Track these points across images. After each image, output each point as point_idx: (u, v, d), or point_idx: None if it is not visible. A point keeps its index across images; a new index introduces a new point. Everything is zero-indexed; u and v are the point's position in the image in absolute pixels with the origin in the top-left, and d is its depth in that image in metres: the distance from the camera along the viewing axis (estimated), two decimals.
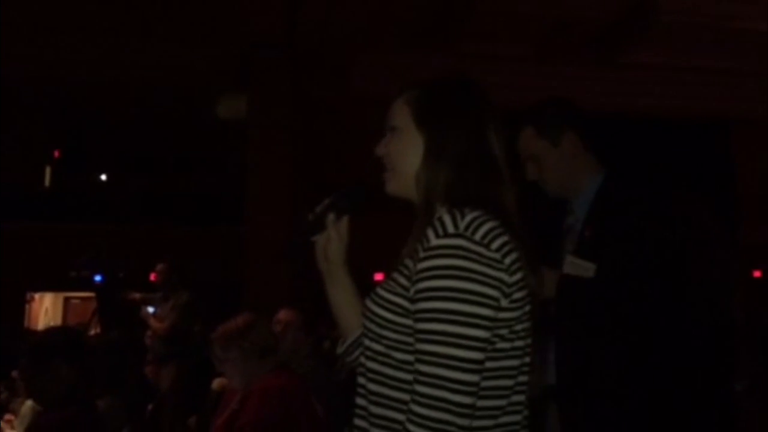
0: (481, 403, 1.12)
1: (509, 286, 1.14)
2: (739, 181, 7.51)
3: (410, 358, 1.14)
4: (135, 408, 2.83)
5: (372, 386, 1.19)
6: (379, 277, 5.32)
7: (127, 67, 6.71)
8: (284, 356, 3.06)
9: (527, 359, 1.19)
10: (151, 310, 5.05)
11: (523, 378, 1.19)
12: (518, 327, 1.16)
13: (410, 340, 1.14)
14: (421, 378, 1.09)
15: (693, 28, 6.00)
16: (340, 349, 1.40)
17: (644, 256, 1.73)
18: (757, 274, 8.24)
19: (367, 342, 1.22)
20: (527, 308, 1.18)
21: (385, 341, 1.18)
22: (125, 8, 5.77)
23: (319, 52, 6.52)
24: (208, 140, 9.23)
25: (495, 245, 1.14)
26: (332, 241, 1.35)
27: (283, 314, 3.30)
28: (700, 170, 7.14)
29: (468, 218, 1.15)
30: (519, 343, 1.17)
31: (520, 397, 1.19)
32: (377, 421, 1.18)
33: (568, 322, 1.77)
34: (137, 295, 5.28)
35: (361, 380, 1.23)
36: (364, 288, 1.37)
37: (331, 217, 1.34)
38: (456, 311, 1.09)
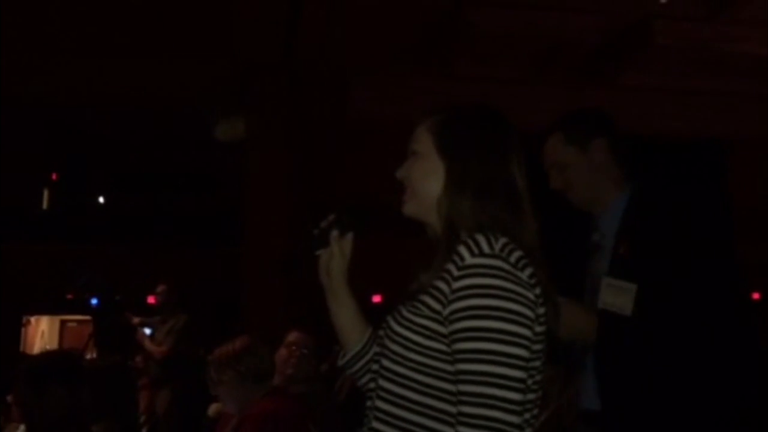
0: None
1: (538, 317, 1.16)
2: (737, 200, 7.52)
3: (434, 382, 1.15)
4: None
5: (391, 408, 1.19)
6: (377, 299, 5.32)
7: (125, 88, 6.75)
8: (292, 379, 3.04)
9: (538, 377, 1.20)
10: (147, 332, 5.02)
11: (532, 395, 1.19)
12: (537, 363, 1.18)
13: (436, 363, 1.15)
14: (469, 399, 1.09)
15: (688, 50, 6.06)
16: (341, 361, 1.40)
17: (694, 275, 1.67)
18: (756, 296, 8.20)
19: (387, 363, 1.21)
20: (542, 346, 1.19)
21: (410, 363, 1.18)
22: (123, 29, 5.81)
23: (317, 73, 6.56)
24: (206, 161, 9.24)
25: (526, 273, 1.16)
26: (335, 258, 1.35)
27: (293, 336, 3.27)
28: (695, 192, 7.15)
29: (502, 241, 1.17)
30: (537, 377, 1.18)
31: (531, 414, 1.19)
32: None
33: (612, 362, 1.70)
34: (136, 319, 5.25)
35: (381, 404, 1.21)
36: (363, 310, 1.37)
37: (334, 233, 1.35)
38: (501, 330, 1.10)
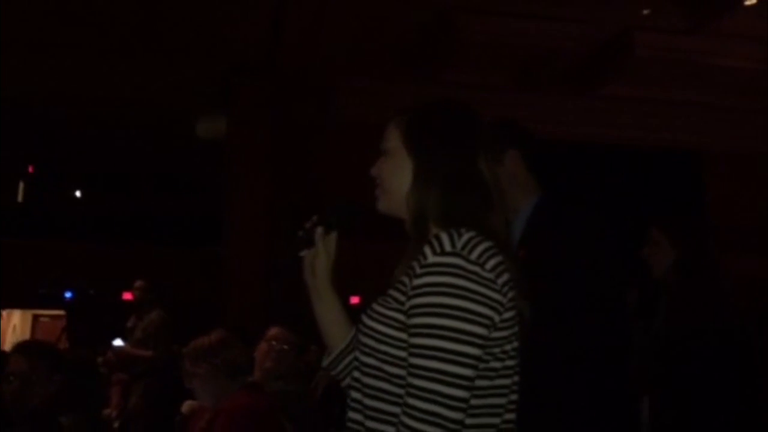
0: (477, 420, 1.14)
1: (502, 305, 1.16)
2: (713, 212, 7.63)
3: (403, 372, 1.16)
4: (98, 426, 2.77)
5: (368, 401, 1.21)
6: (354, 300, 5.31)
7: (106, 85, 6.69)
8: (270, 373, 3.03)
9: (516, 378, 1.22)
10: (120, 343, 4.94)
11: (514, 397, 1.21)
12: (508, 347, 1.19)
13: (404, 354, 1.16)
14: (414, 391, 1.11)
15: (668, 62, 6.16)
16: (325, 362, 1.40)
17: (576, 284, 1.75)
18: None
19: (362, 357, 1.23)
20: (516, 329, 1.20)
21: (379, 355, 1.19)
22: (105, 27, 5.78)
23: (300, 76, 6.57)
24: (186, 160, 9.19)
25: (489, 265, 1.16)
26: (320, 256, 1.37)
27: (275, 331, 3.25)
28: (673, 201, 7.25)
29: (465, 237, 1.17)
30: (510, 363, 1.19)
31: (512, 416, 1.21)
32: None
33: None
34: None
35: (356, 395, 1.24)
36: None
37: (319, 231, 1.36)
38: (449, 327, 1.11)
